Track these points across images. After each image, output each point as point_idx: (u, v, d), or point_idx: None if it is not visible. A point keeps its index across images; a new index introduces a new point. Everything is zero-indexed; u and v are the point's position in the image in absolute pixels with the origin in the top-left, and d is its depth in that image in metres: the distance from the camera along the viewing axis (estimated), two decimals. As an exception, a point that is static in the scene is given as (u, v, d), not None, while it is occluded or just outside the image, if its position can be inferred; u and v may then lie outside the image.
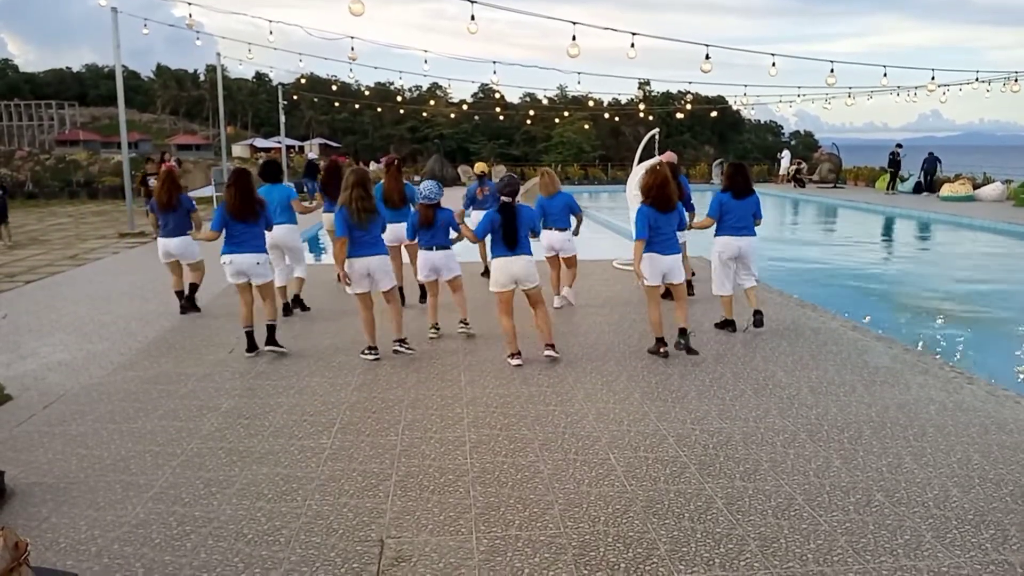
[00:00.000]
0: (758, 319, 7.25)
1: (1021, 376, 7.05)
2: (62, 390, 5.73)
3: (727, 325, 7.38)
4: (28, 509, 3.84)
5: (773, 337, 7.15)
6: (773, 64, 15.42)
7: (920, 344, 7.81)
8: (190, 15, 15.68)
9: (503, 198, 6.20)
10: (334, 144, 61.69)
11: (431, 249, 6.96)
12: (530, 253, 6.28)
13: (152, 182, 14.64)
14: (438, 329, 7.19)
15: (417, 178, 26.50)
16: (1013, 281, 11.95)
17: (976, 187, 23.75)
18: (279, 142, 40.31)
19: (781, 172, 32.69)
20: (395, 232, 7.73)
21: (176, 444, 4.66)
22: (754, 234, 7.32)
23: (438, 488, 4.05)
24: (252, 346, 6.59)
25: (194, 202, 8.34)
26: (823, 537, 3.52)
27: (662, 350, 6.45)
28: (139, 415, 5.17)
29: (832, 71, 15.50)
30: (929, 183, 25.63)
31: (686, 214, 6.97)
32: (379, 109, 56.83)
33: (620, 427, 4.90)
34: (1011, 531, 3.56)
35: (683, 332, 6.55)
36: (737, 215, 7.22)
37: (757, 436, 4.74)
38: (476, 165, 11.11)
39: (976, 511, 3.75)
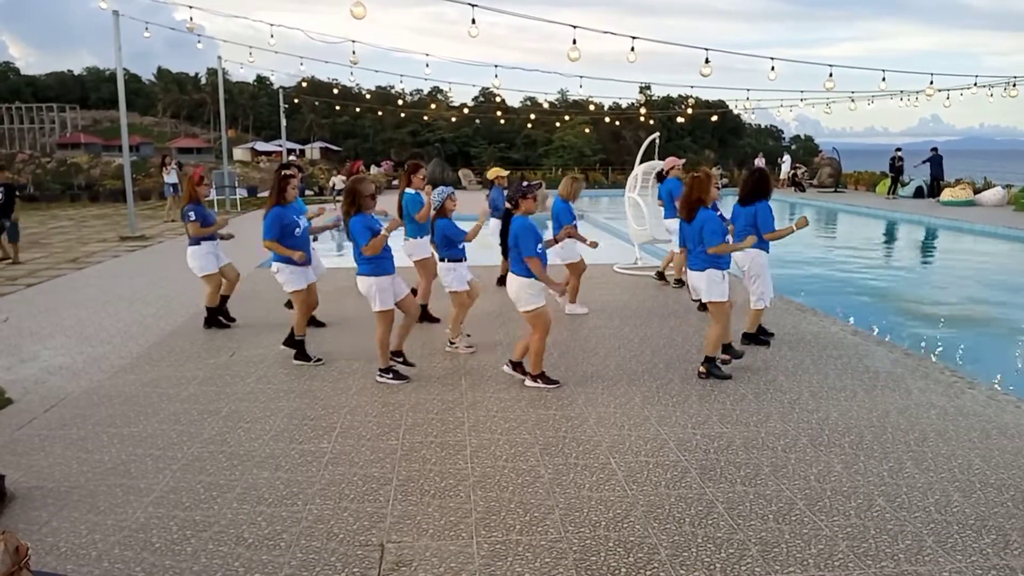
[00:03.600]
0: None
1: (1022, 381, 7.04)
2: (63, 394, 5.73)
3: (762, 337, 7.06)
4: (29, 513, 3.84)
5: (774, 342, 7.14)
6: (772, 68, 15.46)
7: (921, 349, 7.80)
8: (191, 18, 15.70)
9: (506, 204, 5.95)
10: (335, 148, 61.71)
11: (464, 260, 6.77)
12: (520, 272, 5.62)
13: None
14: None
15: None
16: (1014, 286, 11.94)
17: (977, 192, 23.76)
18: (280, 145, 40.34)
19: (781, 176, 32.72)
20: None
21: (176, 448, 4.66)
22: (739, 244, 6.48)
23: (439, 492, 4.05)
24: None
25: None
26: (824, 542, 3.51)
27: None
28: (139, 419, 5.17)
29: (831, 75, 15.52)
30: (933, 188, 25.55)
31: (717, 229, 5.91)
32: (380, 113, 56.83)
33: (621, 432, 4.90)
34: (1012, 536, 3.56)
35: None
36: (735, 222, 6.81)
37: (758, 441, 4.74)
38: (491, 171, 10.88)
39: (977, 516, 3.75)
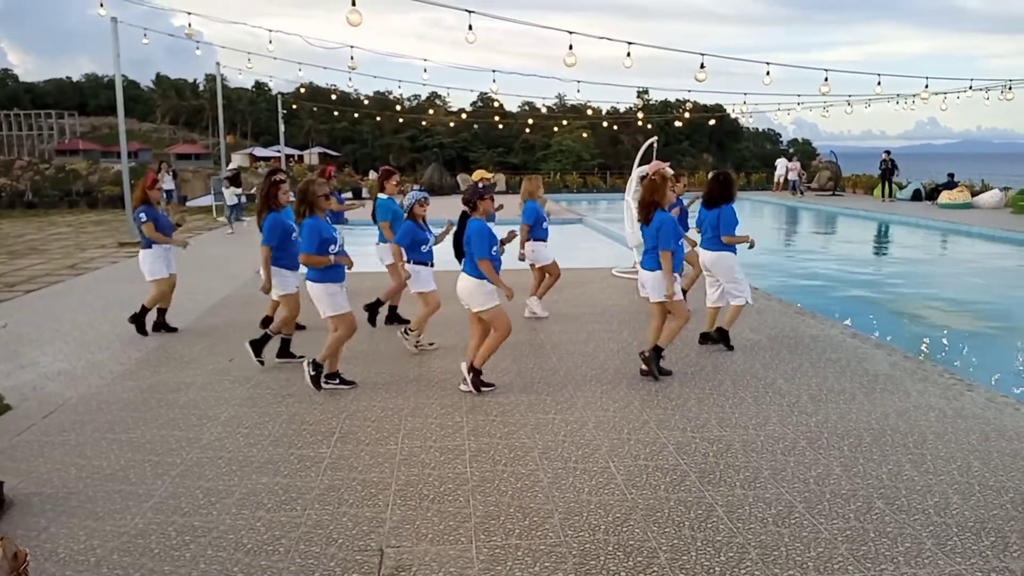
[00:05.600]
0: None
1: (1020, 383, 7.04)
2: (61, 400, 5.73)
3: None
4: (27, 519, 3.83)
5: (773, 344, 7.15)
6: (767, 72, 15.52)
7: (920, 351, 7.81)
8: (189, 25, 15.74)
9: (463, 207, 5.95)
10: (333, 153, 61.76)
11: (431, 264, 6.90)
12: (472, 273, 5.62)
13: None
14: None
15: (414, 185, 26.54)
16: (1012, 288, 11.96)
17: (974, 194, 23.80)
18: (278, 151, 40.38)
19: (777, 180, 32.72)
20: None
21: (175, 454, 4.65)
22: (711, 248, 6.94)
23: (438, 497, 4.04)
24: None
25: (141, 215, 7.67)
26: (824, 545, 3.51)
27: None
28: (138, 425, 5.17)
29: (827, 79, 15.55)
30: (931, 192, 25.59)
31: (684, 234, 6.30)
32: (378, 118, 56.91)
33: (620, 435, 4.90)
34: (1012, 538, 3.56)
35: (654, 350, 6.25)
36: (704, 226, 7.03)
37: (757, 444, 4.74)
38: (475, 173, 11.01)
39: (976, 518, 3.75)
